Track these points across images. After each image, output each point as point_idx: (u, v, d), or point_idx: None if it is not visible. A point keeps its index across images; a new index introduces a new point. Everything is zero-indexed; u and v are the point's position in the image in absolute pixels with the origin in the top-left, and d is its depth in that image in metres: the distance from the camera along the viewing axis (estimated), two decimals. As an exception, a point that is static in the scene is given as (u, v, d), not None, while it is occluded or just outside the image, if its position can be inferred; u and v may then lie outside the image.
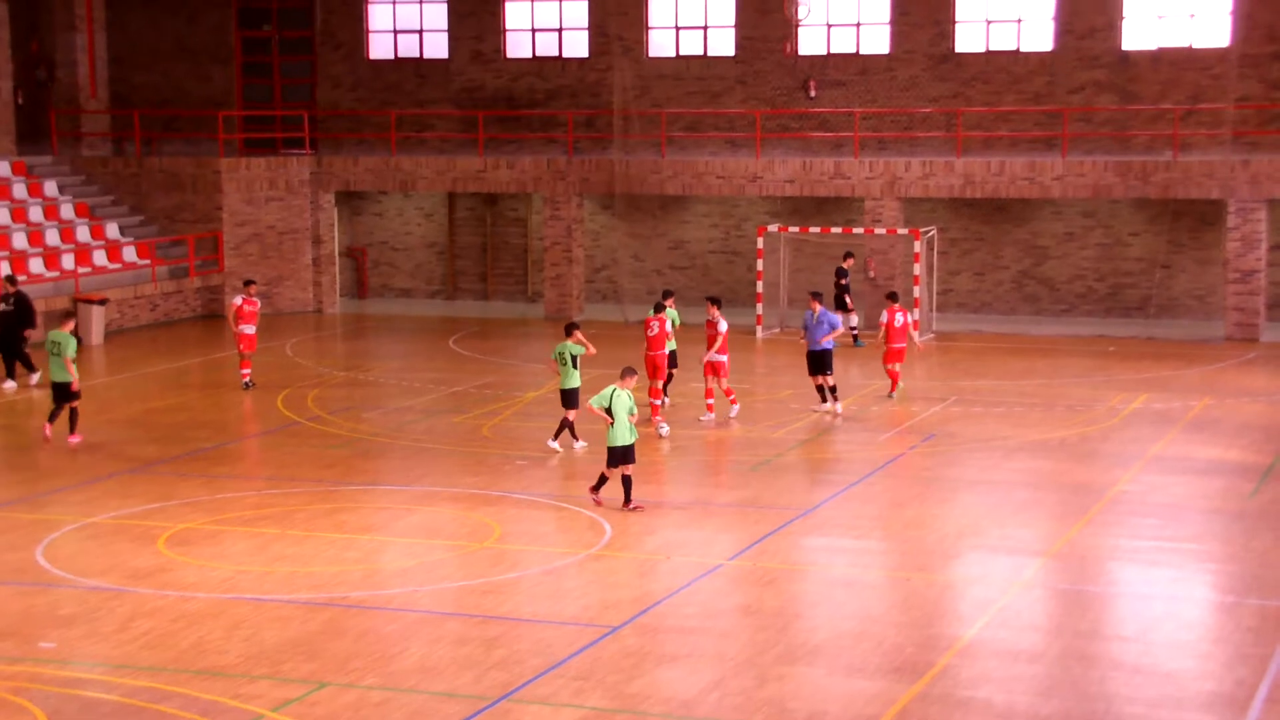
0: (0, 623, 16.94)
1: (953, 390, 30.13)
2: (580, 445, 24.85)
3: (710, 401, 27.25)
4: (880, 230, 37.60)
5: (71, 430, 25.81)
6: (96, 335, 36.15)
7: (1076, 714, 14.47)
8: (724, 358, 27.07)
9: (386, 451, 25.46)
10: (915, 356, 32.48)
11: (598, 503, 21.45)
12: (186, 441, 26.07)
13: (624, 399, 21.13)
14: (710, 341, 27.11)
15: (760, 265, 37.63)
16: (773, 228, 38.32)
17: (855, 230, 38.17)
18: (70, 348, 25.59)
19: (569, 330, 25.44)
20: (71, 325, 26.81)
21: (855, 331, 35.52)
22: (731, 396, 27.39)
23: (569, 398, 24.94)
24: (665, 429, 26.04)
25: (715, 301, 27.67)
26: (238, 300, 30.49)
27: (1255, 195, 36.13)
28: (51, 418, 25.93)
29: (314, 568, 18.93)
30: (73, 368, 25.54)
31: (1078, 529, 20.57)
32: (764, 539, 20.13)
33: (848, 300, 35.77)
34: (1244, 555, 19.45)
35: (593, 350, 25.56)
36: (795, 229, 38.74)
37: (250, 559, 19.27)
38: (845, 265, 36.04)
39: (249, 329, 30.22)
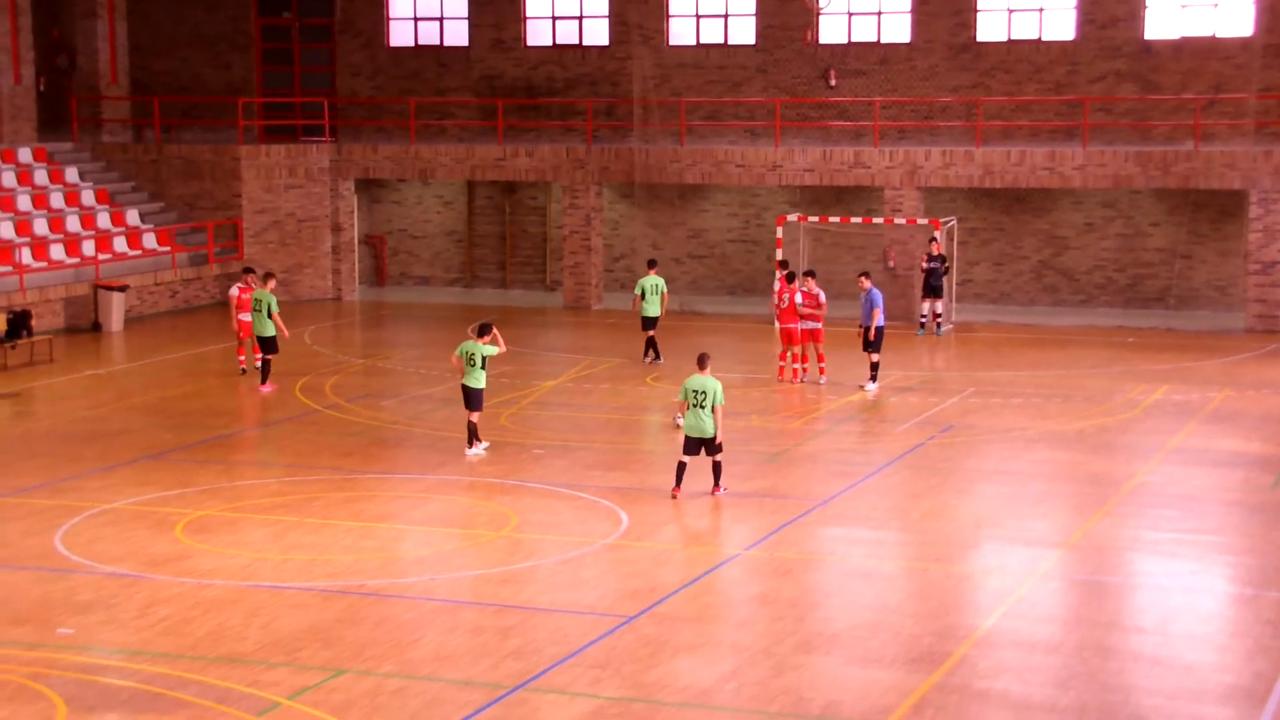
0: (19, 608, 17.00)
1: (971, 381, 30.06)
2: (480, 449, 24.01)
3: (822, 365, 29.75)
4: (900, 220, 37.52)
5: (263, 380, 28.93)
6: (116, 322, 36.23)
7: (1094, 705, 14.43)
8: (819, 325, 29.61)
9: (404, 440, 25.47)
10: (933, 345, 32.60)
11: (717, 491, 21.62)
12: (205, 428, 26.11)
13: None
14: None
15: (780, 255, 37.56)
16: (792, 217, 38.23)
17: (875, 220, 38.08)
18: (273, 304, 28.85)
19: (481, 331, 24.00)
20: (272, 284, 29.73)
21: (937, 320, 35.58)
22: (822, 364, 29.88)
23: (474, 398, 23.90)
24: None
25: (810, 274, 30.20)
26: (234, 290, 30.63)
27: (1277, 186, 35.96)
28: (264, 375, 29.04)
29: (331, 556, 18.95)
30: (279, 321, 28.87)
31: (1096, 520, 20.51)
32: (781, 529, 20.11)
33: (935, 286, 35.58)
34: (1264, 548, 19.38)
35: (504, 348, 24.50)
36: (815, 218, 38.65)
37: (268, 546, 19.30)
38: (932, 250, 35.91)
39: (248, 316, 30.32)
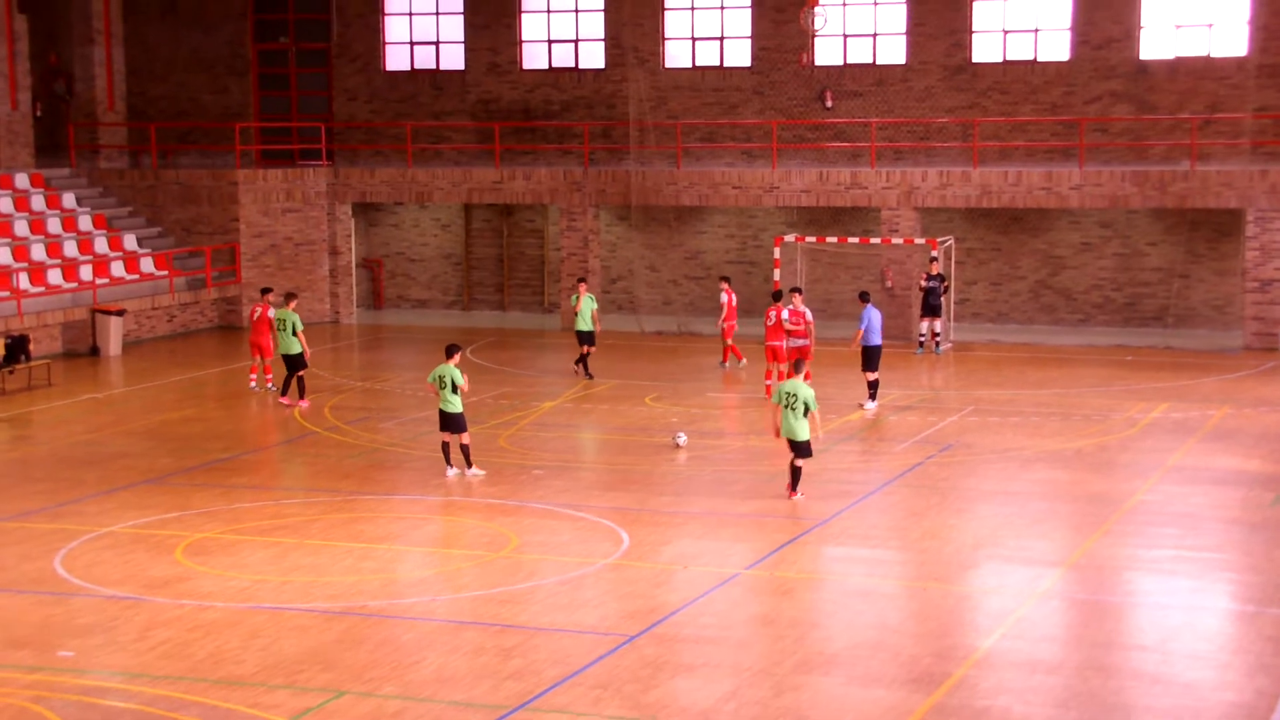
0: (19, 631, 16.98)
1: (970, 400, 30.08)
2: (475, 472, 23.98)
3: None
4: (897, 240, 37.56)
5: (301, 396, 29.72)
6: (114, 346, 36.23)
7: (1095, 724, 14.43)
8: (804, 342, 29.46)
9: (403, 461, 25.48)
10: (932, 364, 32.64)
11: (793, 495, 22.48)
12: (203, 452, 26.11)
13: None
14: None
15: (778, 276, 37.56)
16: (789, 238, 38.28)
17: (873, 240, 38.13)
18: (297, 323, 29.56)
19: (449, 353, 24.21)
20: (294, 304, 30.10)
21: (935, 339, 35.64)
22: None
23: (454, 422, 23.89)
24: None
25: (797, 290, 30.41)
26: (272, 312, 30.48)
27: (1273, 205, 36.03)
28: (284, 389, 29.85)
29: (331, 577, 18.94)
30: (303, 339, 29.56)
31: (1095, 539, 20.51)
32: (781, 549, 20.10)
33: (934, 305, 35.65)
34: (1264, 565, 19.38)
35: (466, 387, 24.25)
36: (812, 239, 38.68)
37: (268, 569, 19.29)
38: (932, 270, 35.95)
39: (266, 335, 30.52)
